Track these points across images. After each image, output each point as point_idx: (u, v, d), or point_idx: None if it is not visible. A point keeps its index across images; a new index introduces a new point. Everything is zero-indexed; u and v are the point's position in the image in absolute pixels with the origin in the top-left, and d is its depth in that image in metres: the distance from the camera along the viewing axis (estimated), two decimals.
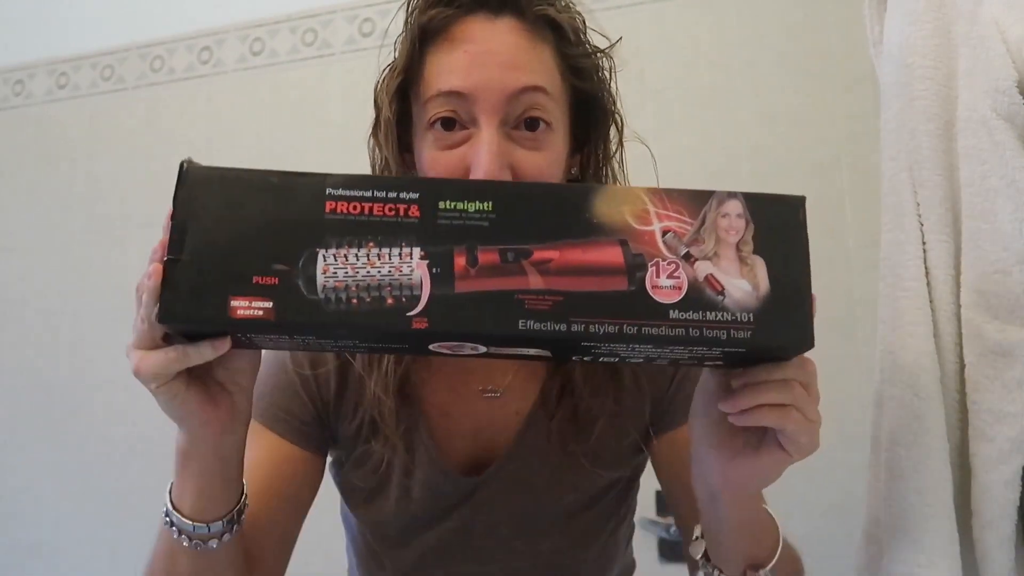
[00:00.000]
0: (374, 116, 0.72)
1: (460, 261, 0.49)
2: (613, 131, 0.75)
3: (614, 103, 0.75)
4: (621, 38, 0.75)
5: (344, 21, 1.61)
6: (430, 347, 0.52)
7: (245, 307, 0.49)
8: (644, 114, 1.46)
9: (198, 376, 0.55)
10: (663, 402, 0.75)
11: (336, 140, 1.65)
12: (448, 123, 0.66)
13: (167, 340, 0.53)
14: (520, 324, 0.48)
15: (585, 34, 0.73)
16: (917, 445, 0.63)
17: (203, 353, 0.52)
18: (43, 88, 1.80)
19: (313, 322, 0.49)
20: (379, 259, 0.49)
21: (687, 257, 0.50)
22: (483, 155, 0.64)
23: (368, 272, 0.49)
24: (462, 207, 0.51)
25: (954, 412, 0.64)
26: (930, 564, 0.61)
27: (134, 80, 1.74)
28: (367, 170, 0.74)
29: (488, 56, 0.66)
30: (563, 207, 0.51)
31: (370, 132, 0.73)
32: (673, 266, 0.50)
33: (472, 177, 0.64)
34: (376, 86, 0.72)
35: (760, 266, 0.51)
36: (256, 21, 1.67)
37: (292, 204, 0.51)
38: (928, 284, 0.66)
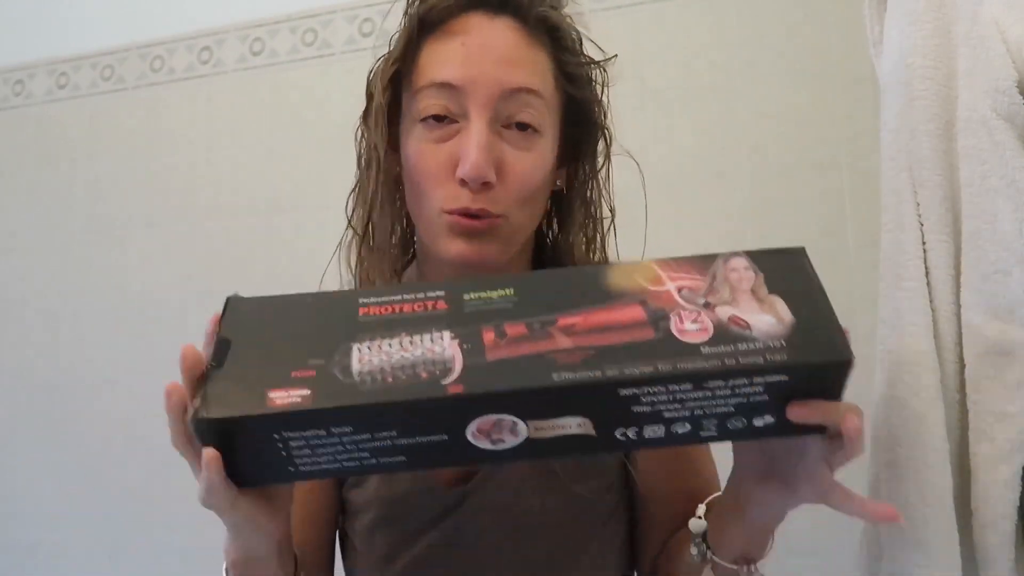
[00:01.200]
0: (365, 103, 0.72)
1: (489, 336, 0.50)
2: (601, 145, 0.75)
3: (605, 116, 0.74)
4: (616, 55, 0.75)
5: (344, 21, 1.61)
6: (468, 436, 0.50)
7: (283, 397, 0.48)
8: (644, 114, 1.46)
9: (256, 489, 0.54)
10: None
11: (336, 140, 1.64)
12: (438, 117, 0.65)
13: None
14: (555, 376, 0.48)
15: (581, 46, 0.73)
16: (917, 445, 0.63)
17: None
18: (43, 88, 1.80)
19: (349, 403, 0.48)
20: (411, 344, 0.50)
21: (707, 306, 0.51)
22: (471, 148, 0.63)
23: (402, 356, 0.50)
24: (486, 295, 0.53)
25: (954, 412, 0.64)
26: (930, 564, 0.61)
27: (134, 80, 1.74)
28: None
29: (484, 50, 0.66)
30: (580, 283, 0.53)
31: (359, 119, 0.73)
32: (695, 313, 0.51)
33: (459, 170, 0.64)
34: (370, 74, 0.72)
35: (779, 303, 0.51)
36: (256, 21, 1.66)
37: (328, 313, 0.53)
38: (928, 284, 0.66)
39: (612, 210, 0.76)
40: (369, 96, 0.71)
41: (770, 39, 1.37)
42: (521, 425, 0.50)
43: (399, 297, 0.54)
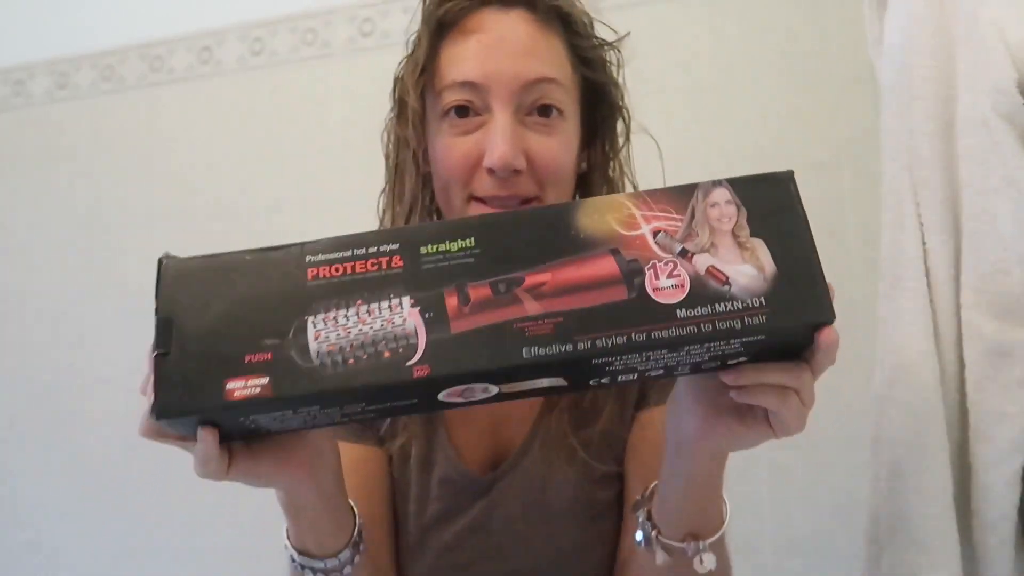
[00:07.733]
0: (396, 109, 0.74)
1: (452, 302, 0.48)
2: (620, 126, 0.77)
3: (622, 97, 0.78)
4: (629, 32, 0.77)
5: (344, 21, 1.60)
6: (440, 397, 0.50)
7: (241, 387, 0.47)
8: (644, 114, 1.46)
9: (261, 440, 0.53)
10: (646, 384, 0.75)
11: (337, 140, 1.65)
12: (462, 110, 0.68)
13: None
14: (524, 352, 0.47)
15: (593, 29, 0.75)
16: (917, 445, 0.63)
17: (204, 448, 0.50)
18: (43, 88, 1.80)
19: (313, 390, 0.47)
20: (369, 315, 0.48)
21: (683, 254, 0.49)
22: (497, 140, 0.66)
23: (361, 330, 0.48)
24: (444, 248, 0.50)
25: (954, 412, 0.65)
26: (931, 564, 0.61)
27: (134, 80, 1.74)
28: (373, 167, 0.75)
29: (501, 45, 0.68)
30: (546, 228, 0.51)
31: (388, 124, 0.75)
32: (671, 265, 0.49)
33: (486, 161, 0.66)
34: (396, 78, 0.74)
35: (761, 248, 0.49)
36: (256, 21, 1.66)
37: (274, 279, 0.50)
38: (928, 284, 0.66)
39: (635, 187, 0.78)
40: (401, 102, 0.73)
41: (770, 39, 1.37)
42: (493, 387, 0.50)
43: (349, 253, 0.50)
